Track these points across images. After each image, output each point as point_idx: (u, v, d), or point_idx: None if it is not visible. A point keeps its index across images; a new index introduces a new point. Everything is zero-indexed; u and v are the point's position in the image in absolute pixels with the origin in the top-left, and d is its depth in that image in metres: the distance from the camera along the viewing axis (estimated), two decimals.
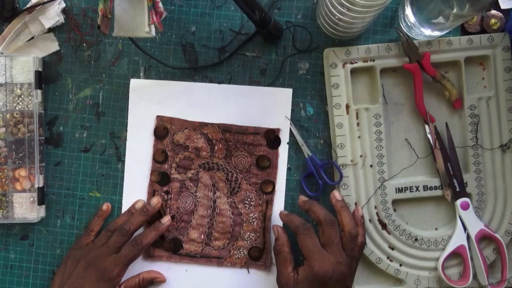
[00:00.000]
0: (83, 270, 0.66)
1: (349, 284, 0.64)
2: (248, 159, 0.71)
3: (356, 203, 0.70)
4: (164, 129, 0.71)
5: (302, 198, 0.69)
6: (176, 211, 0.72)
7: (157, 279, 0.71)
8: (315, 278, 0.62)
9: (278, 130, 0.71)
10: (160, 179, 0.72)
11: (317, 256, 0.62)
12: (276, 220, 0.70)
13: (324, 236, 0.64)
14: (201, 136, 0.71)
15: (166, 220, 0.70)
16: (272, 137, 0.71)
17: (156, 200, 0.70)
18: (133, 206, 0.71)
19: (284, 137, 0.71)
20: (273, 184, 0.71)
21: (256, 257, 0.71)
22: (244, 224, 0.71)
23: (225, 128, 0.71)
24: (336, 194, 0.67)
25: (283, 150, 0.71)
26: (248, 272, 0.72)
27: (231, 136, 0.71)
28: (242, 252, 0.71)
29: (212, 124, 0.71)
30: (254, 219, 0.71)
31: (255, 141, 0.71)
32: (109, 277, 0.65)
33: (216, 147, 0.71)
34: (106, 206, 0.71)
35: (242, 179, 0.71)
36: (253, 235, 0.71)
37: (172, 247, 0.71)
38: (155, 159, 0.72)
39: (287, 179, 0.72)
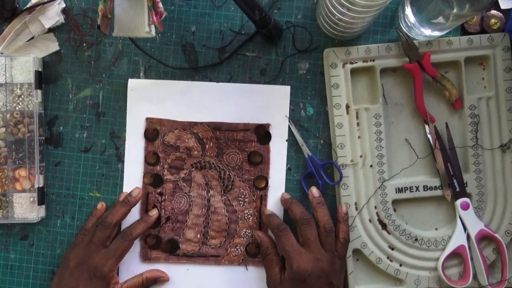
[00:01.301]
0: (75, 270, 0.66)
1: (334, 280, 0.64)
2: (239, 156, 0.71)
3: (356, 203, 0.70)
4: (154, 130, 0.71)
5: (284, 196, 0.70)
6: (171, 212, 0.72)
7: (161, 278, 0.70)
8: (295, 277, 0.63)
9: (268, 125, 0.71)
10: (153, 181, 0.72)
11: (294, 255, 0.64)
12: None
13: (301, 234, 0.66)
14: (191, 135, 0.71)
15: (154, 212, 0.70)
16: (262, 133, 0.71)
17: (137, 191, 0.70)
18: (116, 200, 0.70)
19: (276, 132, 0.71)
20: (266, 179, 0.71)
21: (253, 254, 0.71)
22: (240, 221, 0.71)
23: (215, 126, 0.71)
24: (313, 190, 0.68)
25: (274, 145, 0.71)
26: (247, 269, 0.72)
27: (221, 134, 0.71)
28: (239, 249, 0.71)
29: (201, 123, 0.71)
30: (250, 216, 0.71)
31: (245, 137, 0.71)
32: (101, 274, 0.65)
33: (207, 146, 0.71)
34: (100, 205, 0.71)
35: (235, 176, 0.72)
36: (249, 231, 0.71)
37: (169, 248, 0.71)
38: (147, 162, 0.72)
39: (287, 179, 0.72)
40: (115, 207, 0.68)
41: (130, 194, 0.70)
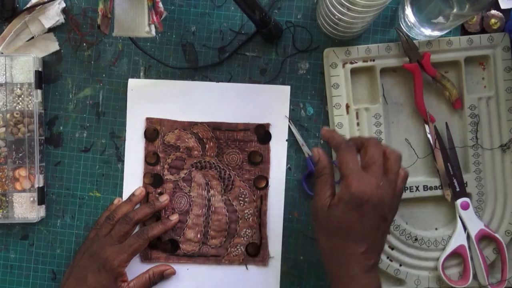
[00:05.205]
0: (87, 261, 0.66)
1: (388, 216, 0.58)
2: (239, 156, 0.71)
3: None
4: (154, 130, 0.71)
5: (325, 128, 0.63)
6: (171, 212, 0.72)
7: (167, 271, 0.70)
8: (350, 200, 0.56)
9: (268, 125, 0.71)
10: (153, 181, 0.72)
11: (355, 176, 0.56)
12: (272, 215, 0.71)
13: (367, 155, 0.57)
14: (191, 135, 0.71)
15: (174, 217, 0.71)
16: (262, 132, 0.71)
17: (165, 197, 0.71)
18: (132, 193, 0.71)
19: (276, 132, 0.71)
20: (266, 179, 0.71)
21: (253, 253, 0.71)
22: (240, 221, 0.71)
23: (215, 126, 0.71)
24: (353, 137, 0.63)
25: (274, 145, 0.71)
26: (247, 268, 0.72)
27: (221, 134, 0.71)
28: (239, 249, 0.71)
29: (201, 123, 0.71)
30: (250, 215, 0.71)
31: (245, 137, 0.71)
32: (110, 267, 0.65)
33: (207, 146, 0.71)
34: (117, 201, 0.72)
35: (235, 176, 0.72)
36: (249, 231, 0.71)
37: (169, 248, 0.71)
38: (147, 162, 0.72)
39: (287, 179, 0.72)
40: (140, 206, 0.70)
41: (133, 193, 0.71)
